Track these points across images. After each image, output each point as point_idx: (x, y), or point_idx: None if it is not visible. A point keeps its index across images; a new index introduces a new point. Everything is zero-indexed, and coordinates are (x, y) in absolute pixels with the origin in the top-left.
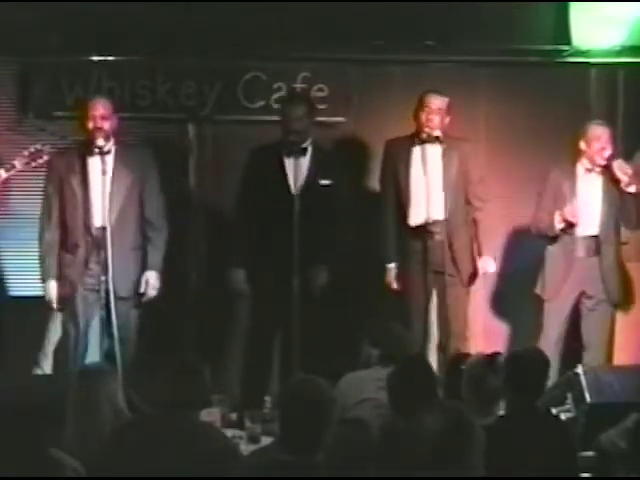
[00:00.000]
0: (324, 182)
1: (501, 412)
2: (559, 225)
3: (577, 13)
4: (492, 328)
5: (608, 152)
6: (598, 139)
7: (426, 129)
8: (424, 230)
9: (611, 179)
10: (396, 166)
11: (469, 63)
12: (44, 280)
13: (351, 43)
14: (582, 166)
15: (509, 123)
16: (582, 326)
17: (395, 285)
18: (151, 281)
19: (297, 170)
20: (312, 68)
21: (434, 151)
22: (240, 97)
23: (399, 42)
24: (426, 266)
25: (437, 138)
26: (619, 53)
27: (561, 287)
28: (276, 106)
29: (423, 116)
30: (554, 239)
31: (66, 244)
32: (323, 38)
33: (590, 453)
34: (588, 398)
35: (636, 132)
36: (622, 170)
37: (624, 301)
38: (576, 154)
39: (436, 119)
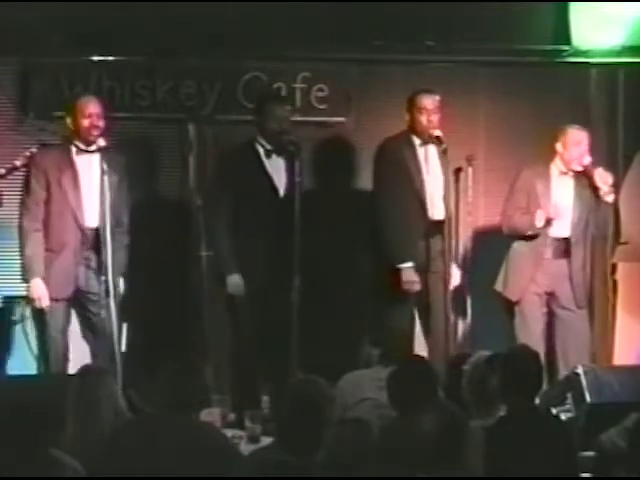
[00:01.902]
0: (301, 180)
1: (502, 412)
2: (540, 224)
3: (577, 13)
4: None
5: (588, 159)
6: (578, 144)
7: (429, 130)
8: (428, 228)
9: (590, 186)
10: (402, 164)
11: (469, 63)
12: (29, 279)
13: (351, 43)
14: (556, 168)
15: (509, 123)
16: (555, 329)
17: (418, 286)
18: (121, 287)
19: (279, 171)
20: (312, 68)
21: (435, 151)
22: (240, 97)
23: (399, 42)
24: (421, 265)
25: (437, 138)
26: (619, 53)
27: (527, 287)
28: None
29: (423, 118)
30: (528, 238)
31: (50, 243)
32: (323, 38)
33: (590, 453)
34: (588, 398)
35: (636, 132)
36: (603, 179)
37: (599, 305)
38: (547, 154)
39: (435, 118)
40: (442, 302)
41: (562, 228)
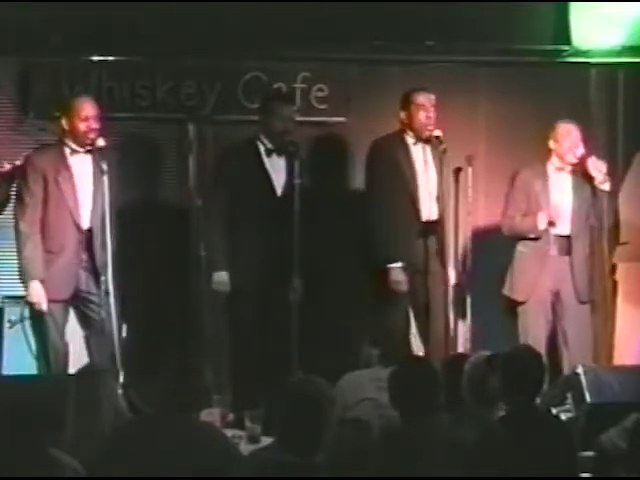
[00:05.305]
0: (302, 182)
1: (502, 412)
2: (542, 226)
3: (577, 13)
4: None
5: (580, 150)
6: (569, 137)
7: (427, 127)
8: (422, 229)
9: (585, 176)
10: (396, 164)
11: (469, 63)
12: (28, 281)
13: (351, 43)
14: (552, 165)
15: (509, 123)
16: (562, 327)
17: (405, 287)
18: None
19: (279, 170)
20: (312, 68)
21: (429, 150)
22: (240, 97)
23: (399, 42)
24: (417, 266)
25: (437, 138)
26: (619, 53)
27: (534, 287)
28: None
29: (422, 115)
30: (530, 239)
31: (49, 244)
32: (323, 38)
33: (590, 453)
34: (588, 398)
35: (636, 132)
36: (597, 167)
37: (599, 300)
38: (545, 153)
39: (432, 115)
40: (440, 302)
41: (562, 226)
